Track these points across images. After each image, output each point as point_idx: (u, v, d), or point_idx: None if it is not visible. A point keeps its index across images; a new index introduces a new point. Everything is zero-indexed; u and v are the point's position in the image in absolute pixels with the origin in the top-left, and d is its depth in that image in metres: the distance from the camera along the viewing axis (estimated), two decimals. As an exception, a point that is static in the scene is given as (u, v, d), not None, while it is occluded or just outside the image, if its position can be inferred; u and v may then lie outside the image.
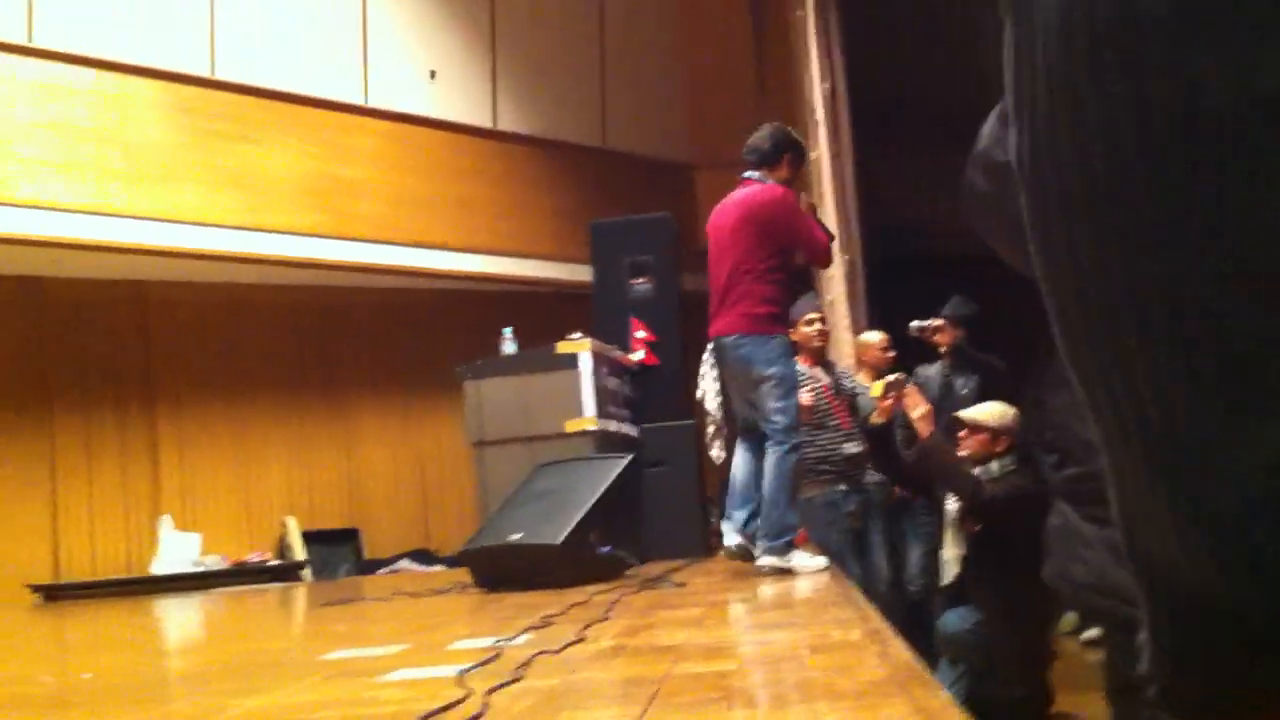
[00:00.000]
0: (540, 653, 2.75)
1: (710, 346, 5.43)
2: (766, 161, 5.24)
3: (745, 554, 5.12)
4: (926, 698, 1.90)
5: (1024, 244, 1.06)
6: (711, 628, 3.26)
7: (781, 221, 5.14)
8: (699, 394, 5.80)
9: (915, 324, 6.58)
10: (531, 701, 2.12)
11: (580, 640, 3.02)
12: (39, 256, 8.65)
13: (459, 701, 2.09)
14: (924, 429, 5.48)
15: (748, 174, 5.28)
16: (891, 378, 5.82)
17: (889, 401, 5.72)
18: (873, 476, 6.49)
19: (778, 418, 5.04)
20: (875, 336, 7.05)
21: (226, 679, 2.97)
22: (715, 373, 5.58)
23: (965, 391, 6.41)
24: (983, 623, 5.12)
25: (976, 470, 5.19)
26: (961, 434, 5.31)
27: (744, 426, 5.36)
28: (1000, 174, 1.12)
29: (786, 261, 5.20)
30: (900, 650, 2.47)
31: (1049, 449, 1.40)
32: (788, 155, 5.25)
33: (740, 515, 5.18)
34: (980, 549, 5.19)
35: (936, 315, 6.63)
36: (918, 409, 5.53)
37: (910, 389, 5.68)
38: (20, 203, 8.06)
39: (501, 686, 2.25)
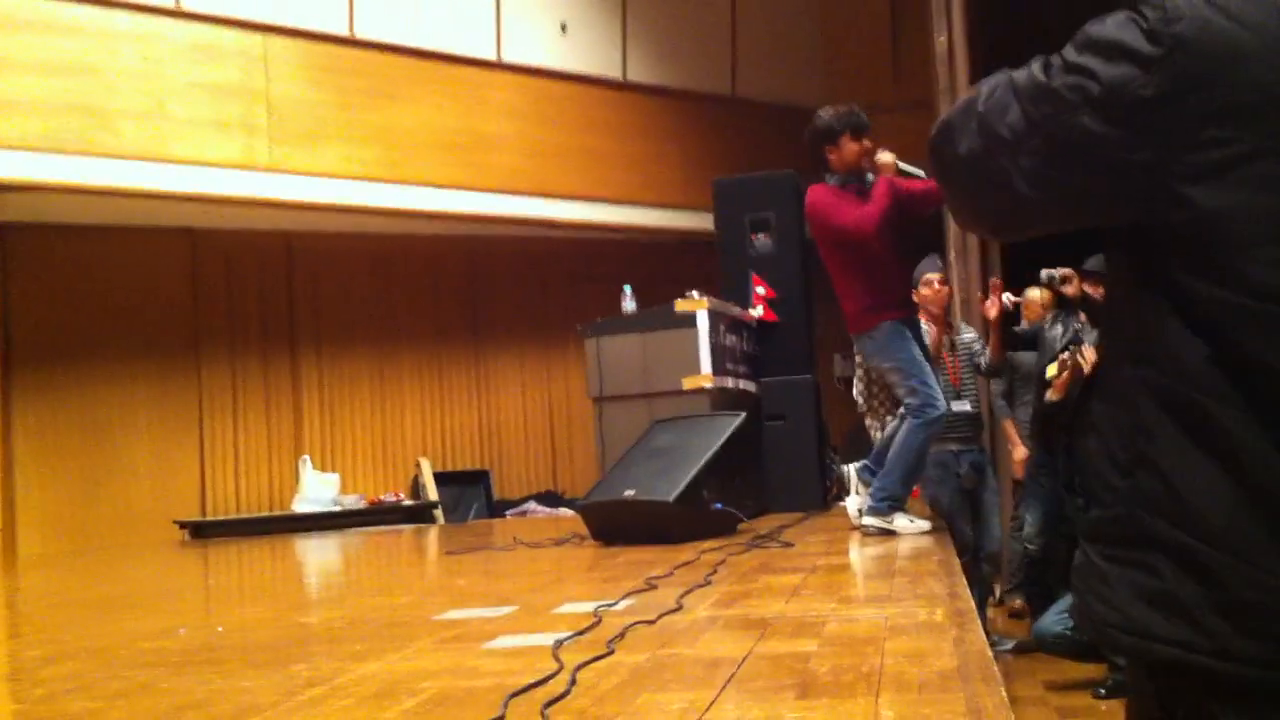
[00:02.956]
0: (637, 622, 2.92)
1: None
2: (813, 164, 5.27)
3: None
4: (984, 695, 2.01)
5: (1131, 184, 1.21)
6: (806, 598, 3.38)
7: (818, 224, 5.23)
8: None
9: (1045, 272, 6.53)
10: (617, 680, 2.28)
11: (678, 609, 3.18)
12: (191, 210, 9.11)
13: (549, 678, 2.26)
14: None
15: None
16: (1064, 355, 5.82)
17: (1064, 377, 5.72)
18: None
19: (909, 399, 5.14)
20: (1036, 294, 7.02)
21: (346, 638, 3.22)
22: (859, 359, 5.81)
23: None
24: None
25: None
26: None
27: (894, 404, 5.52)
28: (1136, 115, 1.21)
29: (861, 248, 5.13)
30: (976, 637, 2.57)
31: (1076, 492, 1.48)
32: (827, 148, 5.15)
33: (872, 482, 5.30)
34: None
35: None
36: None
37: (1086, 351, 5.66)
38: (174, 159, 8.50)
39: (592, 661, 2.42)
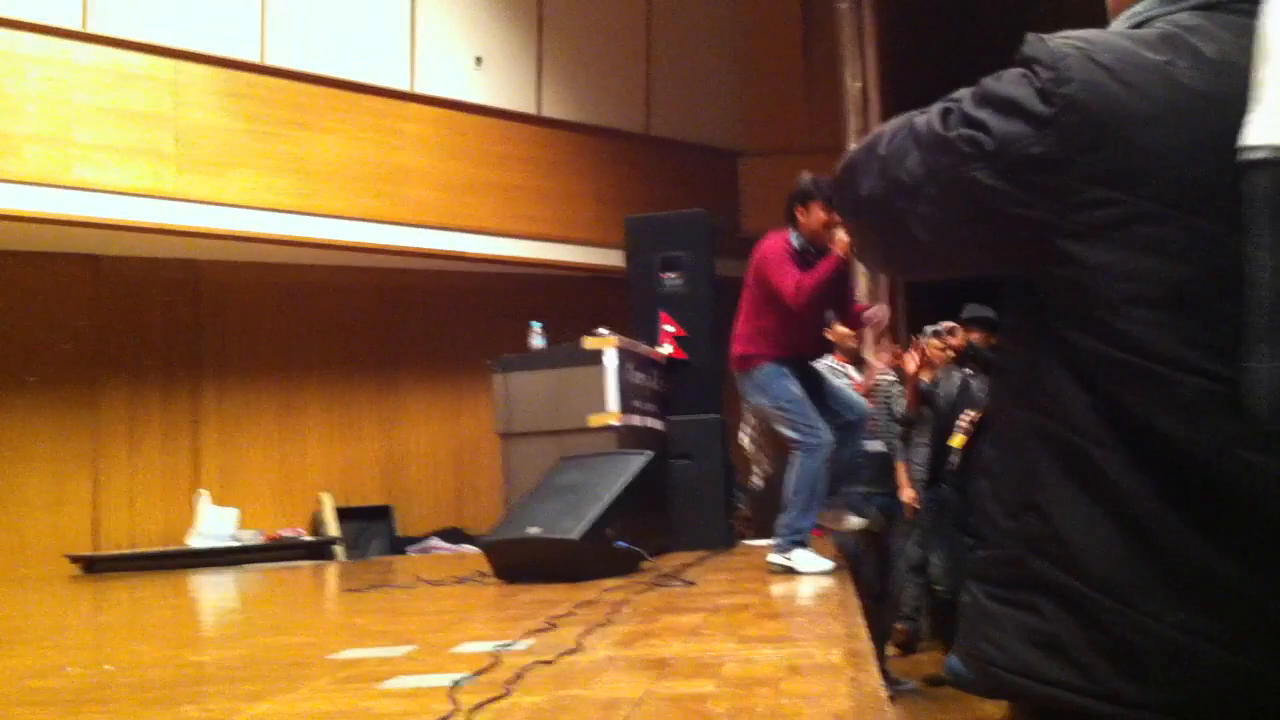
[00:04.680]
0: (535, 663, 2.90)
1: None
2: (785, 219, 5.46)
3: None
4: (874, 736, 2.03)
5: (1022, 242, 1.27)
6: (706, 638, 3.39)
7: (759, 269, 5.43)
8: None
9: (929, 329, 6.67)
10: (513, 721, 2.27)
11: (577, 649, 3.17)
12: (96, 237, 8.94)
13: (445, 719, 2.24)
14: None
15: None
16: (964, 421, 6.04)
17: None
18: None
19: (793, 435, 5.32)
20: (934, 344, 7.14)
21: (240, 678, 3.16)
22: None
23: (982, 394, 6.51)
24: None
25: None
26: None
27: (780, 447, 5.72)
28: (1025, 172, 1.24)
29: (784, 307, 5.32)
30: (870, 679, 2.60)
31: (968, 533, 1.51)
32: (797, 207, 5.39)
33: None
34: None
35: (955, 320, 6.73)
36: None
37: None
38: (78, 185, 8.33)
39: (488, 703, 2.41)
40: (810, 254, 5.32)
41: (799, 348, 5.52)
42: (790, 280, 5.22)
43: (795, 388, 5.36)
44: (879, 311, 6.18)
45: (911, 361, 6.46)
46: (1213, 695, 1.20)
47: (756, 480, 6.16)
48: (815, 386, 5.48)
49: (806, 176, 5.42)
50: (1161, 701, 1.21)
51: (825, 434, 5.29)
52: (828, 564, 5.19)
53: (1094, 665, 1.23)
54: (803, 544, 5.25)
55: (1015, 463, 1.34)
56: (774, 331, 5.40)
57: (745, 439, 6.05)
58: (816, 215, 5.30)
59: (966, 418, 6.09)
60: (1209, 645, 1.19)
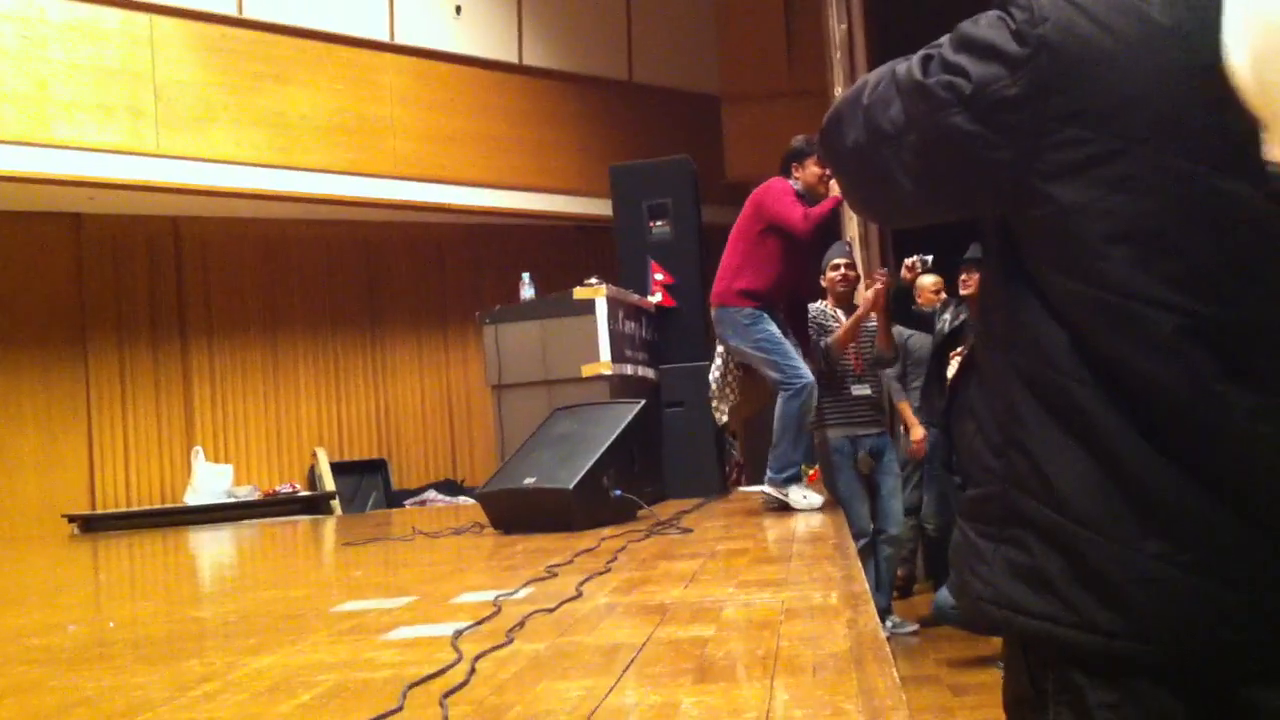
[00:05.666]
0: (536, 611, 2.92)
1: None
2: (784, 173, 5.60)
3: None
4: (876, 675, 2.06)
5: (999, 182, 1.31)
6: (704, 583, 3.41)
7: (763, 202, 5.56)
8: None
9: (909, 260, 6.64)
10: (517, 668, 2.29)
11: (578, 596, 3.20)
12: (76, 195, 8.88)
13: (448, 668, 2.26)
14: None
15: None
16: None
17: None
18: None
19: (774, 375, 5.45)
20: (929, 280, 7.14)
21: (241, 633, 3.17)
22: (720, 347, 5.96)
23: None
24: None
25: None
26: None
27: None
28: (1001, 114, 1.26)
29: (784, 239, 5.50)
30: (869, 619, 2.63)
31: (955, 472, 1.54)
32: (792, 165, 5.55)
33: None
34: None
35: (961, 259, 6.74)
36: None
37: None
38: (57, 143, 8.26)
39: (491, 650, 2.43)
40: (806, 202, 5.47)
41: (785, 287, 5.67)
42: (798, 212, 5.39)
43: (773, 328, 5.49)
44: (882, 276, 6.24)
45: (869, 290, 6.45)
46: (1185, 623, 1.23)
47: (719, 418, 6.22)
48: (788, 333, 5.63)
49: (799, 139, 5.58)
50: (1138, 630, 1.24)
51: (806, 373, 5.43)
52: (819, 499, 5.37)
53: (1076, 597, 1.27)
54: (796, 479, 5.44)
55: (998, 402, 1.37)
56: (762, 269, 5.52)
57: (711, 379, 6.08)
58: (811, 170, 5.47)
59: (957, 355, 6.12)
60: (1182, 574, 1.22)
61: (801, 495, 5.37)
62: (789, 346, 5.49)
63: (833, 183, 5.27)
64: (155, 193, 8.91)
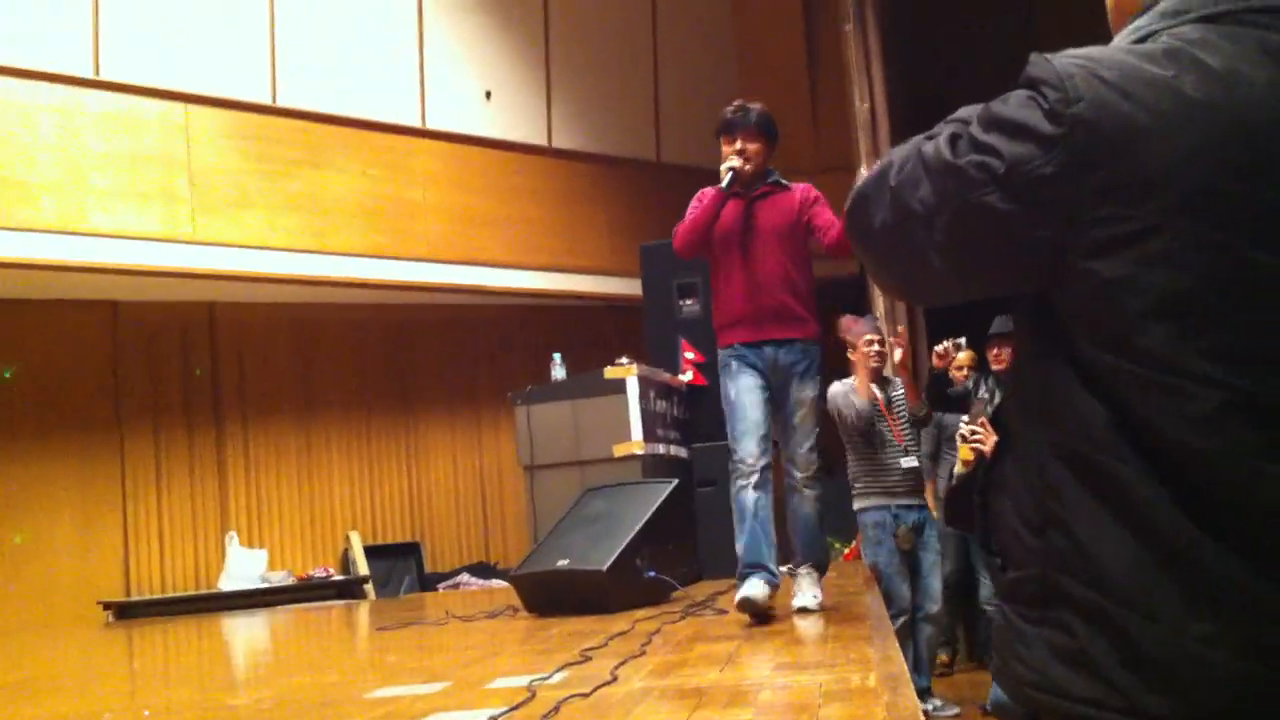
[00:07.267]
0: (571, 695, 2.89)
1: None
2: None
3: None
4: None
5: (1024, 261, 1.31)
6: (741, 666, 3.38)
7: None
8: None
9: (939, 347, 6.57)
10: (551, 757, 2.26)
11: (613, 680, 3.17)
12: (113, 282, 8.99)
13: (483, 756, 2.24)
14: None
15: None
16: (967, 435, 5.83)
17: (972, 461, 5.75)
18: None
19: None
20: (962, 355, 7.06)
21: (275, 719, 3.16)
22: None
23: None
24: None
25: None
26: None
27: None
28: (1038, 192, 1.25)
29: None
30: (908, 701, 2.59)
31: (993, 552, 1.51)
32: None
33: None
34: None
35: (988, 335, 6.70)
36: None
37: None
38: (94, 232, 8.38)
39: (526, 738, 2.40)
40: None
41: (753, 319, 4.64)
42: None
43: (733, 386, 4.60)
44: (898, 341, 6.17)
45: (895, 351, 6.41)
46: (1236, 707, 1.20)
47: None
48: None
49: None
50: (1187, 714, 1.21)
51: (749, 456, 4.54)
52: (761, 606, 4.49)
53: (1121, 680, 1.24)
54: (744, 578, 4.55)
55: (1035, 480, 1.35)
56: (719, 295, 4.73)
57: None
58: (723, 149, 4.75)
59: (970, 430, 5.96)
60: (1231, 657, 1.19)
61: (744, 595, 4.43)
62: (744, 412, 4.56)
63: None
64: (190, 279, 9.02)
